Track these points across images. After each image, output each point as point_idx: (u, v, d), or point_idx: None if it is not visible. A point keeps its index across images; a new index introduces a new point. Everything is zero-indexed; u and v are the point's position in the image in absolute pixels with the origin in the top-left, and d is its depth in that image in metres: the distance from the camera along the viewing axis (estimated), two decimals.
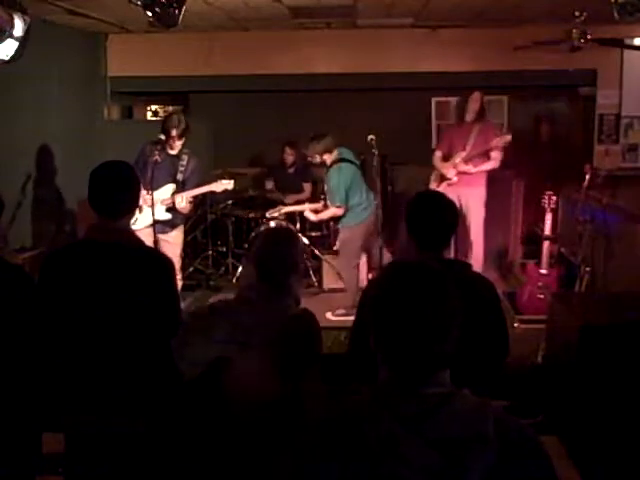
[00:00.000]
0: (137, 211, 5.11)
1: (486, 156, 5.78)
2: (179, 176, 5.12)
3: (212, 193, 5.47)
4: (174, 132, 5.01)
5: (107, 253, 2.44)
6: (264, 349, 2.34)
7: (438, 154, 5.95)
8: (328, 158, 5.56)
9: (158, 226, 5.00)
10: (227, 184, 5.34)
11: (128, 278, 2.43)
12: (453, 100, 7.08)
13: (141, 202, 5.08)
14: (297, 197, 7.08)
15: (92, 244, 2.49)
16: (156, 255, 2.75)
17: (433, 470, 1.23)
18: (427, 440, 1.25)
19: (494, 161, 5.77)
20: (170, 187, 5.12)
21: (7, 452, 2.37)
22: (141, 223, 5.03)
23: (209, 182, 5.32)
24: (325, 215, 5.70)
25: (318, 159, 5.58)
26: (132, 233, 2.59)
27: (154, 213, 4.79)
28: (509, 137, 5.66)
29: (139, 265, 2.48)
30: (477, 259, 5.75)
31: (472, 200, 5.77)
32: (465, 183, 5.74)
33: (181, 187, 5.12)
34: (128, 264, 2.45)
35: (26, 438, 2.46)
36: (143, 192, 5.09)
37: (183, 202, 5.07)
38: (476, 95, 5.79)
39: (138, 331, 2.44)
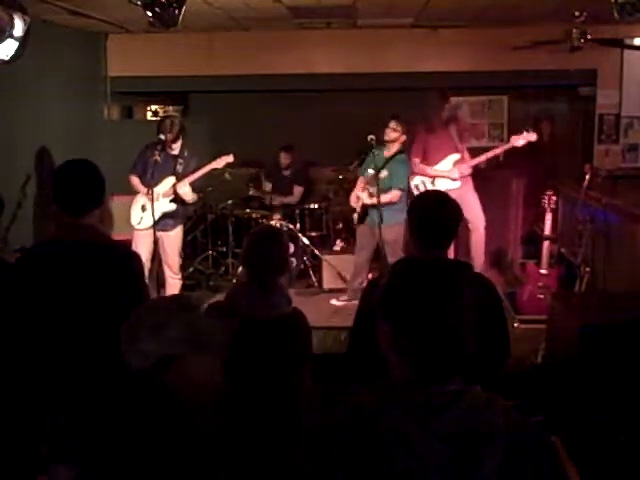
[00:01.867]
0: (141, 210, 5.15)
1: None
2: (179, 167, 5.15)
3: (214, 170, 5.40)
4: (168, 136, 5.07)
5: (74, 251, 2.45)
6: (217, 350, 2.34)
7: (417, 161, 5.81)
8: (398, 143, 5.54)
9: (160, 224, 5.02)
10: (227, 157, 5.33)
11: (94, 275, 2.44)
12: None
13: (144, 201, 5.10)
14: (284, 199, 7.11)
15: (59, 243, 2.51)
16: (122, 250, 2.72)
17: (446, 466, 1.24)
18: (440, 436, 1.25)
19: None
20: (170, 180, 5.14)
21: (7, 452, 2.37)
22: (146, 222, 5.05)
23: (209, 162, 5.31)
24: (384, 198, 5.27)
25: (394, 136, 5.51)
26: (97, 230, 2.59)
27: (154, 212, 4.81)
28: (534, 136, 5.59)
29: (105, 261, 2.48)
30: (479, 258, 5.74)
31: (471, 195, 5.76)
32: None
33: (181, 179, 5.15)
34: (94, 261, 2.46)
35: (26, 438, 2.46)
36: (143, 191, 5.13)
37: (186, 187, 5.09)
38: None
39: (107, 328, 2.42)
